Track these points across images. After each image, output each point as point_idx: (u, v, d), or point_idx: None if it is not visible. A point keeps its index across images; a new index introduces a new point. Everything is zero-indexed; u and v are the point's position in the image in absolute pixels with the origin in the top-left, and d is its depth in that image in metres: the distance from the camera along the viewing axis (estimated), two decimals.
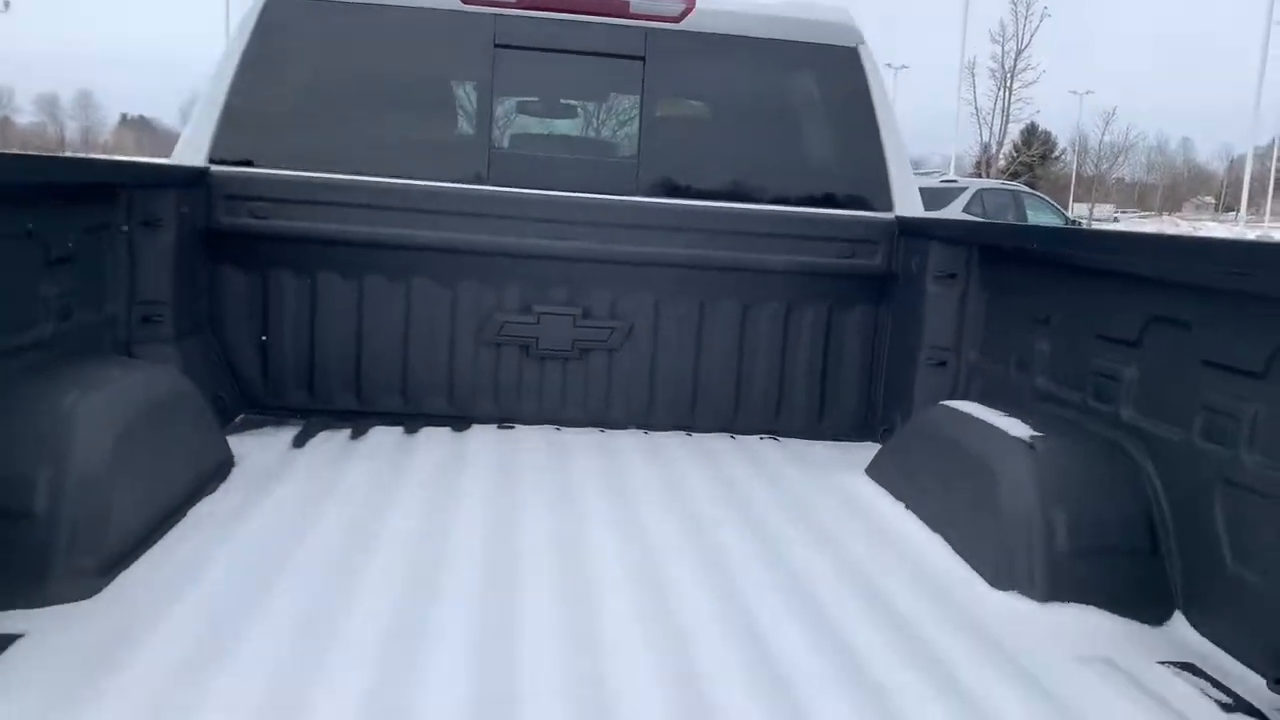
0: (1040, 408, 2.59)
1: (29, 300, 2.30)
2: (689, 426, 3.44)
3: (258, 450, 2.86)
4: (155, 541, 2.12)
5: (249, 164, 3.21)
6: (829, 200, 3.46)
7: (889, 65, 66.32)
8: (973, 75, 36.04)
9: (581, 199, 3.30)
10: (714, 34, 3.40)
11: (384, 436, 3.11)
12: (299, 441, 3.00)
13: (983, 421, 2.43)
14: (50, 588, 1.82)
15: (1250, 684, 1.80)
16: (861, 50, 3.46)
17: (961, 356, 3.14)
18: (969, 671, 1.81)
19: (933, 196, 18.42)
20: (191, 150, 3.22)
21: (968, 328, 3.12)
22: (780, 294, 3.42)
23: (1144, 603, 2.07)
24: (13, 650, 1.63)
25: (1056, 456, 2.20)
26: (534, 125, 3.82)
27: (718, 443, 3.32)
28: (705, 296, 3.41)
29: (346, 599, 1.91)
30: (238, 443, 2.86)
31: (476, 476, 2.74)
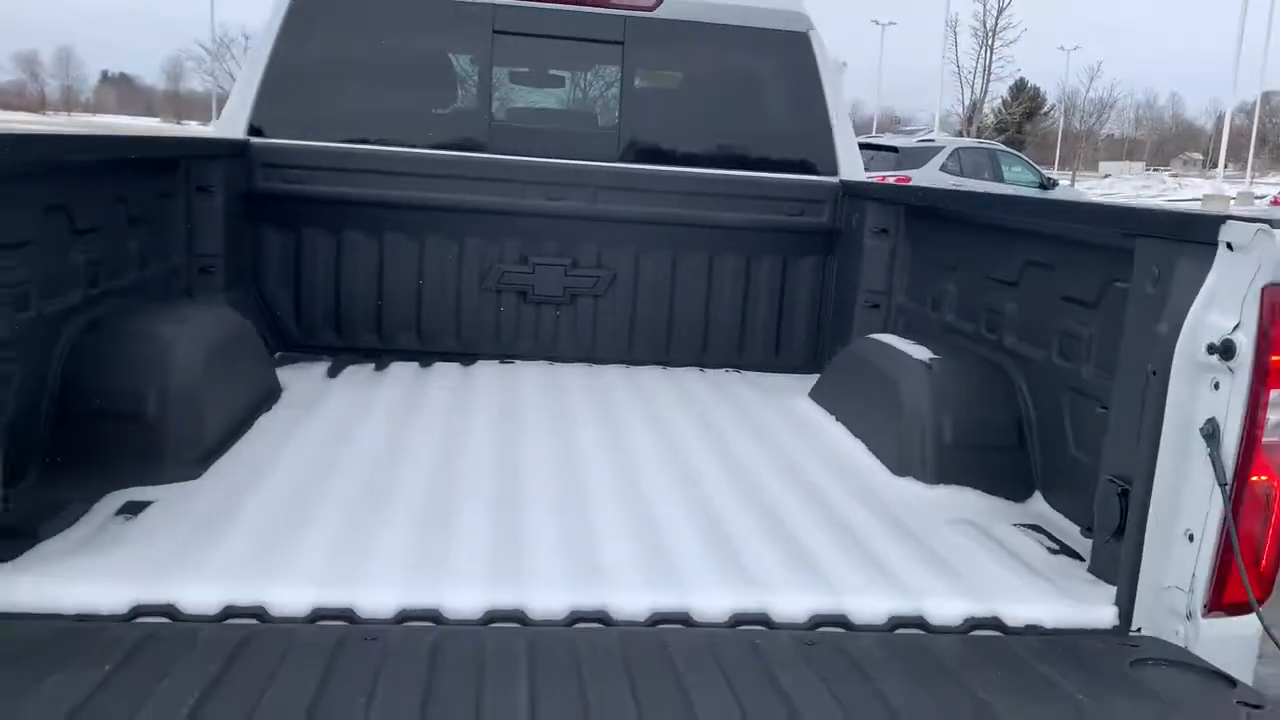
0: (946, 338, 3.16)
1: (121, 252, 2.83)
2: (665, 361, 4.01)
3: (298, 380, 3.41)
4: (232, 444, 2.67)
5: (282, 135, 3.74)
6: (783, 165, 4.00)
7: (875, 21, 66.42)
8: (954, 34, 36.33)
9: (570, 165, 3.83)
10: (683, 20, 3.92)
11: (403, 369, 3.66)
12: (332, 373, 3.55)
13: (895, 349, 2.99)
14: (164, 471, 2.37)
15: (1074, 536, 2.39)
16: (811, 35, 3.99)
17: (891, 299, 3.70)
18: (867, 533, 2.38)
19: (910, 156, 18.91)
20: (231, 124, 3.74)
21: (896, 275, 3.67)
22: (741, 247, 3.97)
23: (1010, 485, 2.65)
24: (150, 510, 2.20)
25: (947, 374, 2.78)
26: (528, 100, 4.33)
27: (688, 374, 3.88)
28: (677, 249, 3.95)
29: (387, 482, 2.47)
30: (280, 375, 3.41)
31: (483, 399, 3.30)
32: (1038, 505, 2.62)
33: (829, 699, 1.59)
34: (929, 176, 18.52)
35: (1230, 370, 1.81)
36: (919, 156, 19.00)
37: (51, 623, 1.72)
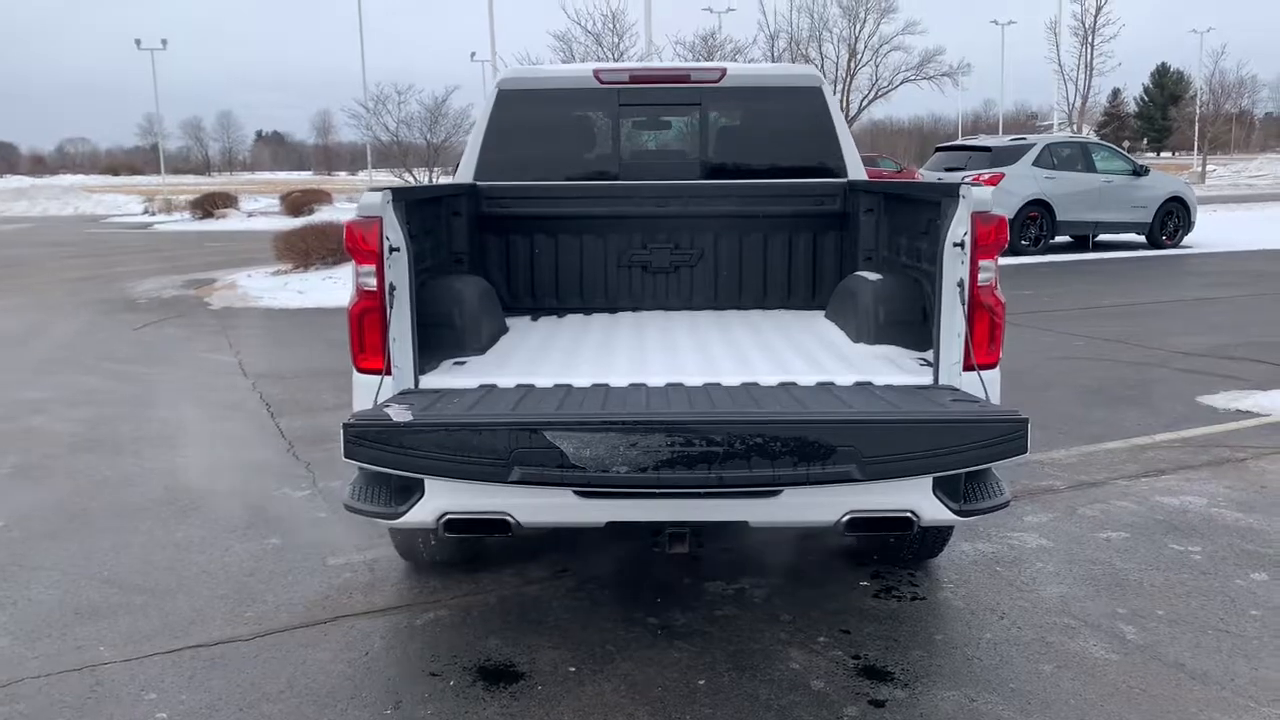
0: (897, 270, 5.24)
1: (431, 246, 5.17)
2: (738, 306, 6.17)
3: (514, 323, 5.71)
4: (493, 345, 4.97)
5: (495, 179, 6.08)
6: (809, 172, 6.13)
7: (994, 22, 66.87)
8: (1055, 34, 37.17)
9: (670, 184, 6.05)
10: (738, 86, 6.12)
11: (575, 317, 5.94)
12: (533, 319, 5.86)
13: (862, 275, 5.11)
14: (466, 350, 4.67)
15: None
16: (823, 87, 6.14)
17: (878, 253, 5.78)
18: (823, 361, 4.48)
19: (1003, 154, 20.39)
20: (465, 172, 6.11)
21: (880, 238, 5.76)
22: (784, 229, 6.11)
23: (917, 342, 4.72)
24: (466, 364, 4.50)
25: (885, 284, 4.88)
26: (642, 145, 6.60)
27: (754, 312, 6.04)
28: (742, 233, 6.12)
29: (576, 350, 4.72)
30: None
31: (624, 327, 5.55)
32: (929, 352, 4.68)
33: (768, 395, 3.74)
34: (1021, 173, 19.88)
35: (964, 253, 3.88)
36: (1011, 154, 20.35)
37: (448, 390, 4.01)
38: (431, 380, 4.11)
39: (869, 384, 4.05)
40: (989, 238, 3.82)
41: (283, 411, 8.21)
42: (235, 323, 12.54)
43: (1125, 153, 22.59)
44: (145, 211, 42.89)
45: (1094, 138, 24.04)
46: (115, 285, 17.20)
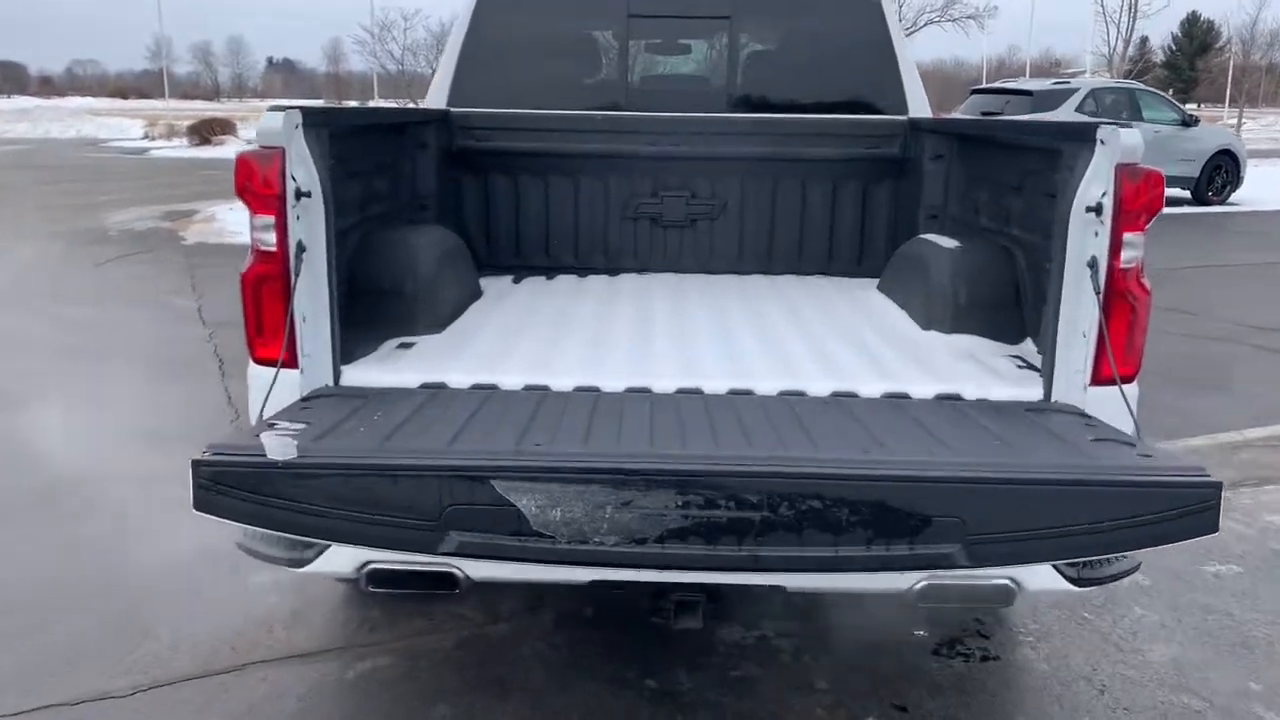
0: (975, 235, 4.13)
1: (374, 191, 4.08)
2: (767, 271, 5.07)
3: (492, 285, 4.64)
4: (457, 317, 3.90)
5: (473, 105, 4.96)
6: (861, 108, 4.99)
7: None
8: None
9: (689, 117, 4.92)
10: None
11: (566, 279, 4.85)
12: (516, 281, 4.77)
13: (932, 241, 3.99)
14: (418, 329, 3.61)
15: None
16: (883, 1, 4.96)
17: (946, 211, 4.66)
18: (888, 359, 3.41)
19: (1045, 99, 19.07)
20: (436, 97, 4.98)
21: (950, 191, 4.63)
22: (827, 176, 4.99)
23: (1007, 332, 3.63)
24: (415, 347, 3.44)
25: (965, 255, 3.77)
26: (656, 67, 5.44)
27: (786, 280, 4.95)
28: (775, 180, 5.00)
29: (560, 334, 3.65)
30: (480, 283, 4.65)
31: (626, 295, 4.46)
32: (1026, 346, 3.59)
33: (823, 418, 2.67)
34: (1064, 118, 18.66)
35: (1101, 223, 2.78)
36: (1054, 99, 19.09)
37: (378, 389, 2.96)
38: (359, 374, 3.06)
39: (956, 398, 2.98)
40: (1138, 200, 2.73)
41: (235, 372, 7.16)
42: (206, 261, 11.47)
43: (1174, 101, 21.20)
44: (145, 136, 41.69)
45: (1140, 85, 22.57)
46: (93, 215, 16.15)
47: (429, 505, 2.20)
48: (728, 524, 2.18)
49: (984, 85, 23.60)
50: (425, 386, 3.00)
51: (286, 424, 2.44)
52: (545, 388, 3.00)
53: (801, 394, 2.98)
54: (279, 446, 2.24)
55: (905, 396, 2.98)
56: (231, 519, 2.23)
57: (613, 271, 5.02)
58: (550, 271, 4.99)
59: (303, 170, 2.82)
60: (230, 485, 2.20)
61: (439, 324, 3.68)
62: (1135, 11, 34.38)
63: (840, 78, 5.08)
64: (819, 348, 3.52)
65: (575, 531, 2.17)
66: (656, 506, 2.17)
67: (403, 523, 2.20)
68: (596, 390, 2.99)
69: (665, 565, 2.22)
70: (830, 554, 2.18)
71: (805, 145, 4.93)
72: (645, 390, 2.99)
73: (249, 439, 2.32)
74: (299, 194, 2.80)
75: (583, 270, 5.02)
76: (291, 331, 2.82)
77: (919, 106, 4.98)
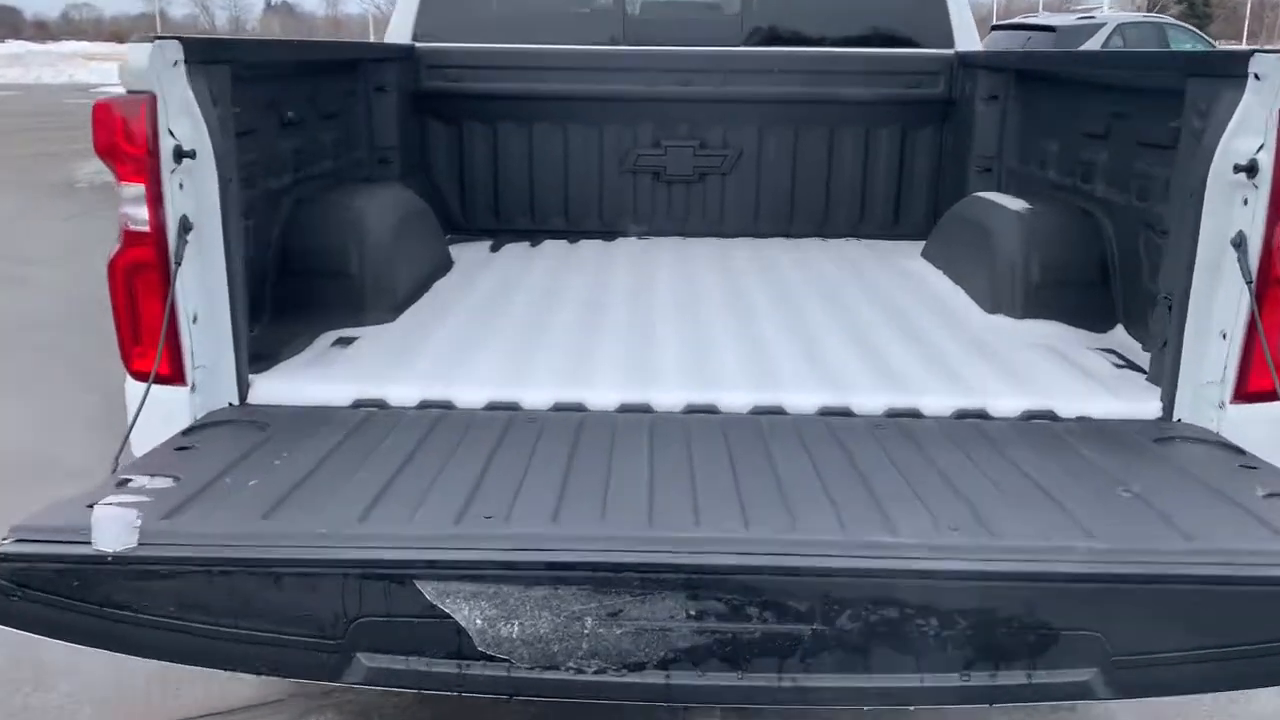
0: (1048, 194, 3.40)
1: (317, 143, 3.37)
2: (788, 233, 4.36)
3: (465, 254, 3.93)
4: (416, 300, 3.21)
5: (443, 39, 4.21)
6: (899, 40, 4.23)
7: None
8: None
9: (698, 51, 4.18)
10: None
11: (554, 245, 4.14)
12: (494, 249, 4.06)
13: (993, 203, 3.27)
14: (365, 318, 2.92)
15: (1145, 358, 2.67)
16: None
17: (1002, 163, 3.93)
18: (951, 355, 2.71)
19: (1069, 34, 18.12)
20: (399, 30, 4.24)
21: (1006, 139, 3.90)
22: (860, 121, 4.25)
23: (1093, 317, 2.93)
24: (355, 344, 2.75)
25: (1037, 219, 3.05)
26: None
27: (811, 243, 4.23)
28: (798, 126, 4.27)
29: (542, 321, 2.96)
30: (450, 252, 3.94)
31: (622, 265, 3.75)
32: (1118, 335, 2.89)
33: (883, 457, 1.99)
34: None
35: (1255, 186, 2.07)
36: (1079, 35, 18.19)
37: (298, 409, 2.28)
38: (275, 386, 2.37)
39: (1050, 417, 2.29)
40: None
41: None
42: None
43: (1206, 36, 20.18)
44: None
45: (1170, 19, 21.54)
46: (69, 165, 15.36)
47: (328, 617, 1.53)
48: (762, 642, 1.51)
49: (1004, 22, 22.59)
50: (360, 404, 2.32)
51: (143, 482, 1.76)
52: (515, 406, 2.31)
53: (847, 412, 2.29)
54: (113, 528, 1.56)
55: (983, 415, 2.29)
56: (43, 633, 1.56)
57: (608, 235, 4.31)
58: (535, 236, 4.28)
59: (186, 122, 2.12)
60: (39, 589, 1.52)
61: (391, 311, 2.99)
62: None
63: (875, 5, 4.32)
64: (862, 338, 2.82)
65: (540, 654, 1.51)
66: (658, 618, 1.51)
67: (290, 641, 1.54)
68: (580, 408, 2.30)
69: (671, 700, 1.55)
70: (911, 685, 1.52)
71: (833, 84, 4.19)
72: (644, 408, 2.31)
73: (75, 513, 1.63)
74: (180, 154, 2.09)
75: (573, 234, 4.31)
76: (175, 336, 2.13)
77: (967, 39, 4.23)
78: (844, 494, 1.84)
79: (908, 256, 3.90)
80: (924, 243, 4.12)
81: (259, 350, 2.56)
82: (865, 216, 4.36)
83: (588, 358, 2.63)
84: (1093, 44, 17.88)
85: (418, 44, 4.19)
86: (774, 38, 4.26)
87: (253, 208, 2.75)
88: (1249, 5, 60.95)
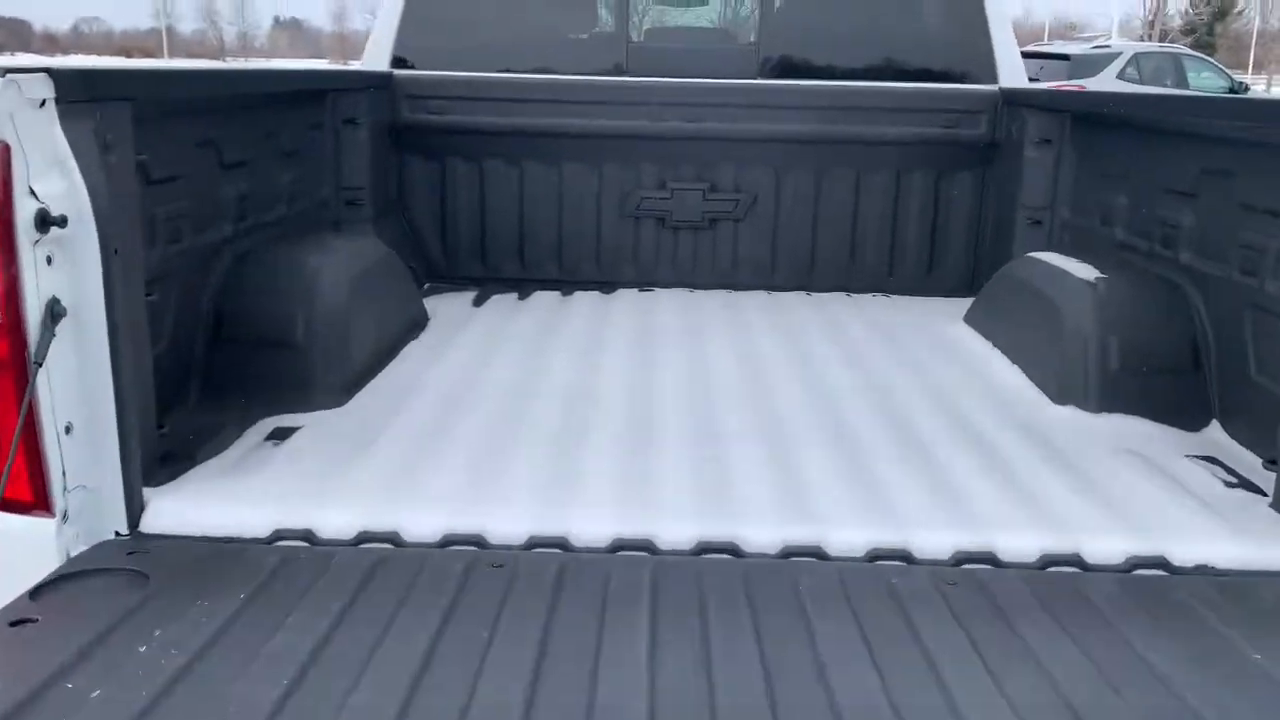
0: (1116, 256, 2.93)
1: (270, 186, 2.91)
2: (808, 287, 3.88)
3: (445, 308, 3.46)
4: (380, 370, 2.73)
5: (425, 67, 3.75)
6: (936, 75, 3.77)
7: None
8: None
9: (708, 84, 3.71)
10: None
11: (544, 298, 3.67)
12: (477, 302, 3.59)
13: (1056, 267, 2.79)
14: (312, 399, 2.44)
15: (1256, 469, 2.19)
16: None
17: (1055, 214, 3.46)
18: (1021, 464, 2.22)
19: (1083, 64, 17.72)
20: (375, 57, 3.77)
21: (1060, 188, 3.43)
22: (890, 163, 3.78)
23: (1184, 412, 2.45)
24: (295, 439, 2.26)
25: (1114, 292, 2.57)
26: (665, 19, 4.22)
27: (834, 299, 3.75)
28: (820, 167, 3.80)
29: (524, 412, 2.47)
30: (428, 304, 3.47)
31: (621, 325, 3.27)
32: (1215, 435, 2.41)
33: (968, 649, 1.49)
34: (1105, 85, 17.39)
35: None
36: (1094, 64, 17.82)
37: (199, 546, 1.79)
38: (175, 507, 1.88)
39: (1162, 565, 1.80)
40: None
41: None
42: None
43: (1220, 66, 19.78)
44: None
45: (1186, 49, 21.14)
46: None
47: None
48: None
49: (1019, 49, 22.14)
50: (281, 536, 1.83)
51: None
52: (479, 540, 1.83)
53: (905, 556, 1.80)
54: None
55: (1077, 562, 1.80)
56: None
57: (606, 286, 3.83)
58: (525, 286, 3.80)
59: (56, 179, 1.64)
60: None
61: (343, 391, 2.50)
62: None
63: (908, 35, 3.86)
64: (911, 440, 2.33)
65: None
66: None
67: None
68: (563, 545, 1.81)
69: None
70: None
71: (860, 122, 3.72)
72: (645, 545, 1.82)
73: None
74: (45, 220, 1.62)
75: (567, 285, 3.84)
76: (37, 452, 1.65)
77: (1014, 74, 3.76)
78: (907, 696, 1.35)
79: (946, 319, 3.42)
80: (961, 301, 3.65)
81: (172, 448, 2.08)
82: (895, 270, 3.89)
83: (575, 467, 2.14)
84: (1108, 74, 17.52)
85: (396, 72, 3.72)
86: (793, 69, 3.80)
87: (172, 270, 2.28)
88: (1254, 35, 60.76)
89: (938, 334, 3.26)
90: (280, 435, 2.27)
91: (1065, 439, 2.37)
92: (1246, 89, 18.84)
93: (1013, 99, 3.64)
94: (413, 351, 2.95)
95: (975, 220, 3.82)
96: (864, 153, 3.76)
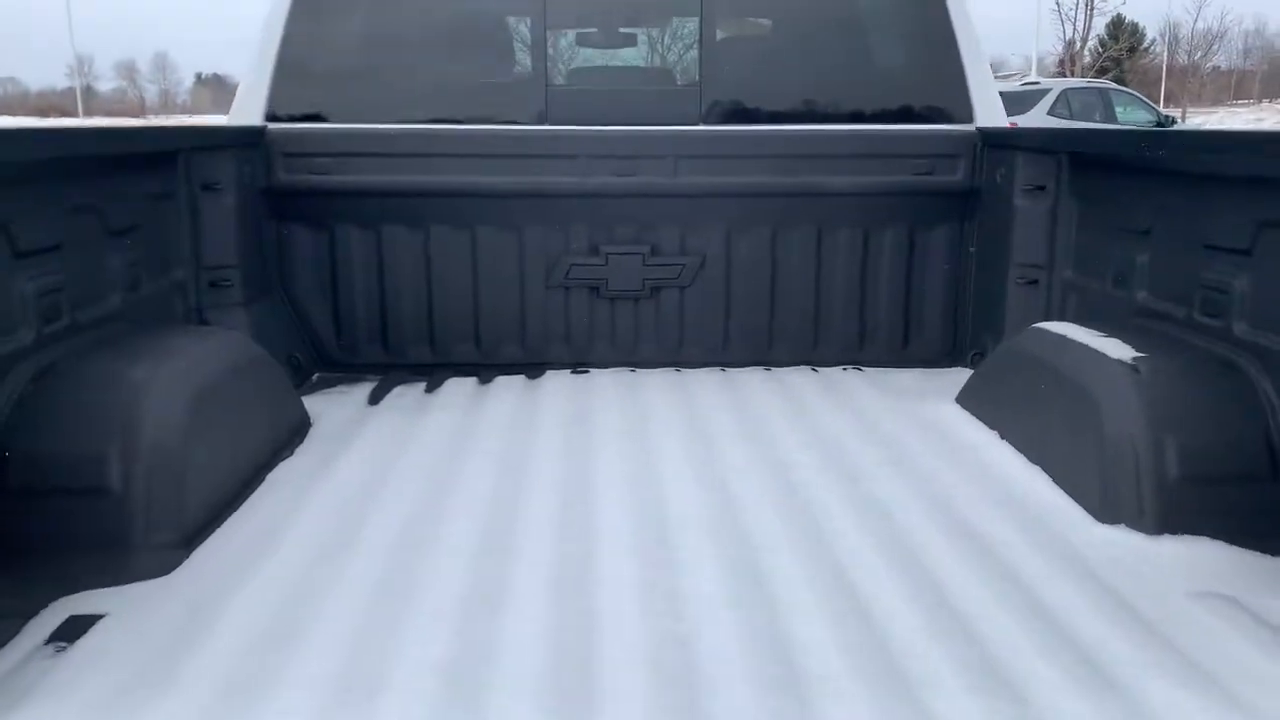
0: (1142, 325, 2.42)
1: (95, 273, 2.29)
2: (767, 361, 3.34)
3: (334, 409, 2.85)
4: (233, 511, 2.11)
5: (306, 119, 3.17)
6: (904, 115, 3.28)
7: None
8: None
9: (644, 132, 3.18)
10: None
11: (458, 388, 3.07)
12: (374, 398, 2.98)
13: (1081, 343, 2.27)
14: (130, 566, 1.82)
15: None
16: None
17: (1054, 274, 2.96)
18: (1072, 614, 1.69)
19: (1014, 100, 17.67)
20: (247, 109, 3.18)
21: (1060, 243, 2.93)
22: (857, 217, 3.27)
23: (1261, 529, 1.93)
24: (94, 631, 1.63)
25: (1162, 377, 2.05)
26: (591, 59, 3.69)
27: (798, 376, 3.21)
28: (778, 224, 3.28)
29: (421, 565, 1.88)
30: (314, 403, 2.86)
31: (551, 427, 2.69)
32: None
33: None
34: (1036, 121, 17.43)
35: None
36: (1024, 100, 17.86)
37: None
38: None
39: None
40: None
41: None
42: None
43: (1148, 101, 19.95)
44: None
45: (1113, 84, 21.32)
46: None
47: None
48: None
49: None
50: None
51: None
52: None
53: None
54: None
55: None
56: None
57: (533, 370, 3.25)
58: (435, 373, 3.21)
59: None
60: None
61: (174, 549, 1.88)
62: (1092, 9, 33.32)
63: (872, 71, 3.37)
64: (926, 582, 1.78)
65: None
66: None
67: None
68: None
69: None
70: None
71: (821, 171, 3.21)
72: None
73: None
74: None
75: (485, 369, 3.25)
76: None
77: (992, 112, 3.29)
78: None
79: (931, 398, 2.90)
80: (941, 373, 3.15)
81: None
82: (866, 340, 3.36)
83: (489, 641, 1.55)
84: (1039, 110, 17.58)
85: (270, 125, 3.13)
86: (741, 113, 3.28)
87: None
88: (1164, 70, 62.60)
89: (927, 420, 2.72)
90: (77, 627, 1.64)
91: (1122, 575, 1.83)
92: (1174, 122, 19.01)
93: (994, 140, 3.16)
94: (281, 476, 2.33)
95: (957, 280, 3.31)
96: (826, 206, 3.25)
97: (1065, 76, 34.62)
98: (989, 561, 1.89)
